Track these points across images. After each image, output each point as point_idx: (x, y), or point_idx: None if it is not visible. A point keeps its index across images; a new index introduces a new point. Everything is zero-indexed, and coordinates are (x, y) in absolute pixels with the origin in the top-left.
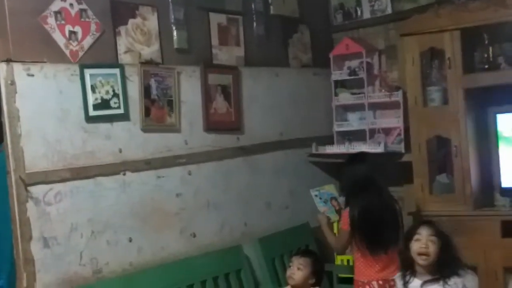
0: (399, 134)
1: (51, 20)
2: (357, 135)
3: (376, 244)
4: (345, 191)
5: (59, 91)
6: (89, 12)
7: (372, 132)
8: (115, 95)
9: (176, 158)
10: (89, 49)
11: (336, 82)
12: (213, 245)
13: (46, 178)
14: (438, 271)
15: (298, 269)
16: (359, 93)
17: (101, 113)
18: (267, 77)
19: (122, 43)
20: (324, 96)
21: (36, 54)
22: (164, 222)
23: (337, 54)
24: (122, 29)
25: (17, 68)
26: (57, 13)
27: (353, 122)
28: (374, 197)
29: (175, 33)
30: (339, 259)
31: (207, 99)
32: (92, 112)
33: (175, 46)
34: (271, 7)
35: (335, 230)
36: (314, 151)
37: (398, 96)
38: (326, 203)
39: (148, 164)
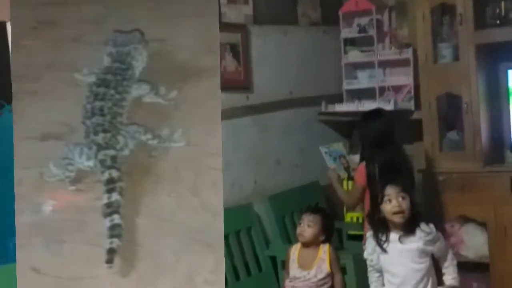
0: (409, 92)
1: None
2: (366, 93)
3: None
4: (361, 147)
5: None
6: None
7: (382, 90)
8: None
9: None
10: None
11: (346, 40)
12: (223, 203)
13: None
14: (411, 223)
15: (308, 226)
16: (368, 51)
17: None
18: (276, 36)
19: None
20: (334, 54)
21: None
22: None
23: (346, 11)
24: None
25: None
26: None
27: (363, 80)
28: (391, 153)
29: None
30: (348, 217)
31: None
32: None
33: None
34: None
35: (345, 187)
36: (323, 110)
37: (408, 53)
38: (335, 160)
39: None
